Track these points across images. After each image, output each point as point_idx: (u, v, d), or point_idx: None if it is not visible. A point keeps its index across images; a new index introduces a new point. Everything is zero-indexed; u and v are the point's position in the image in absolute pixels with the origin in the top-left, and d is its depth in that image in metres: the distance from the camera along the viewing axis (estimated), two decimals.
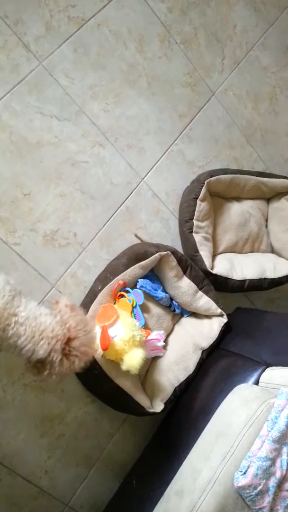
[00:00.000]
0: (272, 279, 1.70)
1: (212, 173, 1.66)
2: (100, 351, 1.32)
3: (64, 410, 1.43)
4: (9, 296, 0.96)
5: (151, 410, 1.39)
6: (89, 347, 1.06)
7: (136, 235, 1.60)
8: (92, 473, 1.48)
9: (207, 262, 1.59)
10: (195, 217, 1.60)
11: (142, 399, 1.40)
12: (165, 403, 1.43)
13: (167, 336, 1.56)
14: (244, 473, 1.05)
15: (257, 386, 1.27)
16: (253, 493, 1.05)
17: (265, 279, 1.69)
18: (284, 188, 1.78)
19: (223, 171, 1.71)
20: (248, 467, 1.06)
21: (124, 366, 1.29)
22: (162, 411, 1.40)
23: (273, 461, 1.07)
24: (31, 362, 1.00)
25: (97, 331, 1.33)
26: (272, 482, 1.07)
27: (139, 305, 1.45)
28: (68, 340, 1.00)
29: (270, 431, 1.09)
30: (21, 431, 1.37)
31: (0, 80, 1.36)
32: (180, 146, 1.73)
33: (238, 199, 1.79)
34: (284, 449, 1.10)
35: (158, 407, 1.41)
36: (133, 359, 1.27)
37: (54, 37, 1.47)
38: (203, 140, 1.79)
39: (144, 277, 1.51)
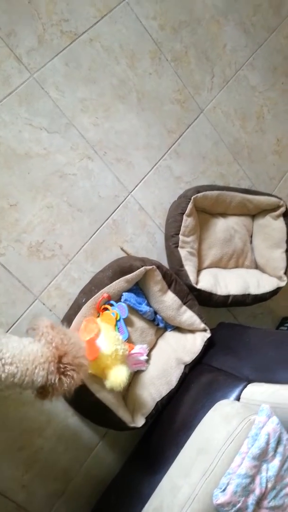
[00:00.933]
0: (255, 295, 1.72)
1: (199, 189, 1.68)
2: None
3: (44, 424, 1.42)
4: None
5: (132, 425, 1.38)
6: (82, 357, 1.06)
7: (122, 248, 1.61)
8: (70, 488, 1.47)
9: (191, 277, 1.60)
10: (181, 232, 1.62)
11: (123, 413, 1.39)
12: (147, 418, 1.42)
13: (150, 350, 1.56)
14: (224, 490, 1.05)
15: (238, 402, 1.28)
16: (232, 511, 1.04)
17: (248, 295, 1.71)
18: (269, 205, 1.81)
19: (210, 187, 1.73)
20: (228, 484, 1.05)
21: (108, 384, 1.29)
22: (143, 425, 1.40)
23: (252, 478, 1.07)
24: (35, 391, 1.00)
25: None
26: (251, 500, 1.07)
27: (123, 319, 1.45)
28: (60, 358, 1.00)
29: (250, 448, 1.09)
30: None
31: None
32: (168, 162, 1.75)
33: (223, 215, 1.81)
34: (264, 466, 1.10)
35: (140, 421, 1.40)
36: (117, 378, 1.28)
37: (46, 50, 1.48)
38: (190, 156, 1.81)
39: (129, 290, 1.51)
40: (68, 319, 1.41)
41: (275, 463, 1.10)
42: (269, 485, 1.09)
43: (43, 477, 1.42)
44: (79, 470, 1.48)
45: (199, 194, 1.66)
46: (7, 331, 1.36)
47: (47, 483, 1.43)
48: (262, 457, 1.09)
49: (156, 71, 1.73)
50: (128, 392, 1.48)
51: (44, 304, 1.43)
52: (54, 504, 1.44)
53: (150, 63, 1.71)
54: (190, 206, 1.63)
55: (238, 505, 1.05)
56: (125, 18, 1.64)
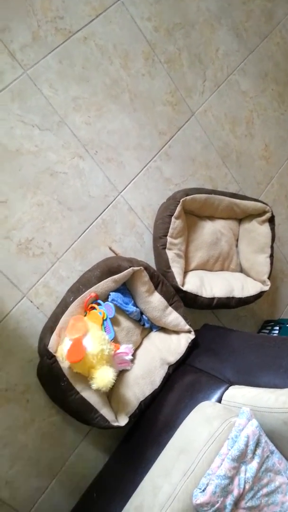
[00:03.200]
0: (239, 298, 1.75)
1: (187, 192, 1.70)
2: (67, 363, 1.32)
3: (28, 421, 1.42)
4: None
5: (116, 424, 1.40)
6: None
7: (110, 248, 1.61)
8: (53, 485, 1.48)
9: (178, 278, 1.62)
10: (169, 234, 1.64)
11: (107, 412, 1.40)
12: (130, 417, 1.44)
13: (136, 350, 1.58)
14: (203, 490, 1.06)
15: (219, 404, 1.30)
16: (211, 511, 1.06)
17: (232, 297, 1.74)
18: (255, 210, 1.84)
19: (198, 190, 1.75)
20: (207, 484, 1.07)
21: (95, 386, 1.31)
22: (126, 424, 1.42)
23: (231, 479, 1.09)
24: None
25: (67, 343, 1.33)
26: (229, 500, 1.08)
27: (110, 318, 1.47)
28: None
29: (230, 449, 1.11)
30: None
31: None
32: (158, 163, 1.76)
33: (211, 218, 1.83)
34: (243, 468, 1.12)
35: (123, 420, 1.42)
36: (104, 379, 1.29)
37: (40, 47, 1.47)
38: (180, 159, 1.83)
39: (116, 290, 1.52)
40: (55, 317, 1.41)
41: (253, 465, 1.12)
42: (247, 486, 1.11)
43: (26, 474, 1.42)
44: (62, 467, 1.49)
45: (187, 197, 1.67)
46: None
47: (30, 480, 1.43)
48: (241, 459, 1.11)
49: (149, 72, 1.74)
50: (112, 391, 1.50)
51: (31, 301, 1.43)
52: (37, 500, 1.45)
53: (143, 64, 1.72)
54: (178, 208, 1.64)
55: (217, 505, 1.06)
56: (120, 18, 1.65)
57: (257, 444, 1.14)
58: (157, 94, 1.76)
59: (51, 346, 1.34)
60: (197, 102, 1.88)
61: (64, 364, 1.34)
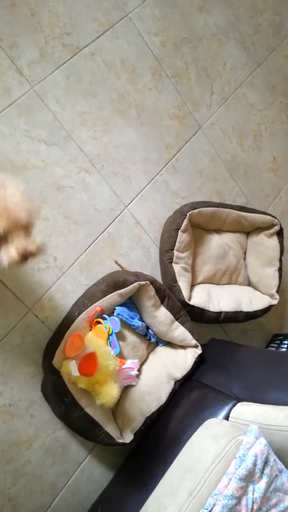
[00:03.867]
0: (247, 313, 1.73)
1: (194, 205, 1.69)
2: (71, 379, 1.31)
3: (32, 436, 1.41)
4: None
5: (121, 441, 1.38)
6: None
7: (116, 262, 1.61)
8: (57, 502, 1.45)
9: (185, 293, 1.61)
10: (175, 248, 1.63)
11: (112, 429, 1.39)
12: (135, 434, 1.42)
13: (141, 365, 1.56)
14: (210, 511, 1.04)
15: (227, 421, 1.28)
16: None
17: (240, 312, 1.72)
18: (263, 223, 1.83)
19: (205, 203, 1.74)
20: (214, 505, 1.04)
21: (98, 401, 1.30)
22: (131, 441, 1.40)
23: (239, 499, 1.07)
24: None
25: (72, 365, 1.31)
26: None
27: (115, 333, 1.46)
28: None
29: (237, 469, 1.09)
30: None
31: None
32: (165, 177, 1.76)
33: (218, 231, 1.82)
34: (250, 488, 1.10)
35: (128, 437, 1.40)
36: (108, 395, 1.28)
37: (48, 63, 1.49)
38: (187, 172, 1.82)
39: (122, 304, 1.51)
40: (60, 332, 1.40)
41: (262, 484, 1.10)
42: (255, 507, 1.08)
43: (30, 491, 1.41)
44: (66, 484, 1.47)
45: (194, 211, 1.67)
46: None
47: (33, 497, 1.41)
48: (249, 478, 1.09)
49: (156, 87, 1.75)
50: (117, 407, 1.48)
51: (36, 316, 1.43)
52: None
53: (150, 79, 1.73)
54: (185, 222, 1.64)
55: None
56: (127, 33, 1.66)
57: (265, 463, 1.12)
58: (164, 108, 1.76)
59: (55, 362, 1.33)
60: (204, 116, 1.88)
61: (68, 379, 1.33)
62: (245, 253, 1.90)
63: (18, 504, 1.39)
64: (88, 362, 1.32)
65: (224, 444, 1.13)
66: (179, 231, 1.63)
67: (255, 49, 2.04)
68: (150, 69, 1.73)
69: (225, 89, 1.94)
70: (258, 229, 1.87)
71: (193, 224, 1.70)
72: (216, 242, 1.77)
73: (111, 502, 1.41)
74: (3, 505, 1.36)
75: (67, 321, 1.42)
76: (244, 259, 1.90)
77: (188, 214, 1.65)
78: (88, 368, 1.31)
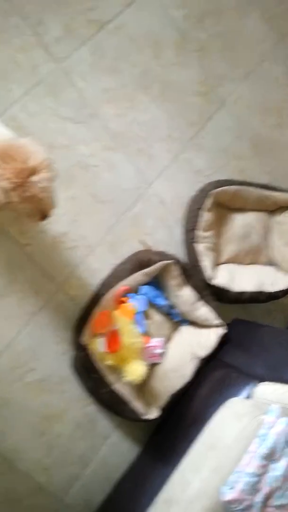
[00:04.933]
0: (270, 293, 1.72)
1: (218, 184, 1.68)
2: (99, 355, 1.34)
3: (63, 411, 1.45)
4: None
5: (146, 417, 1.41)
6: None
7: (141, 242, 1.61)
8: (87, 473, 1.51)
9: (208, 272, 1.61)
10: (199, 227, 1.62)
11: (138, 405, 1.42)
12: (160, 410, 1.45)
13: (166, 343, 1.59)
14: (232, 488, 1.07)
15: (249, 400, 1.30)
16: (239, 508, 1.06)
17: (263, 292, 1.72)
18: (287, 202, 1.81)
19: (229, 182, 1.73)
20: (236, 482, 1.07)
21: (126, 379, 1.33)
22: (157, 417, 1.43)
23: (260, 477, 1.09)
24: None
25: (100, 342, 1.34)
26: (258, 498, 1.09)
27: (141, 312, 1.48)
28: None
29: (258, 447, 1.11)
30: (21, 429, 1.39)
31: (18, 81, 1.36)
32: (188, 155, 1.74)
33: (241, 210, 1.80)
34: (271, 466, 1.11)
35: (153, 413, 1.43)
36: (135, 372, 1.30)
37: (73, 39, 1.46)
38: (211, 150, 1.80)
39: (147, 284, 1.53)
40: (88, 310, 1.43)
41: (283, 463, 1.12)
42: (276, 485, 1.11)
43: (62, 462, 1.46)
44: (95, 456, 1.52)
45: (218, 189, 1.65)
46: (29, 320, 1.39)
47: (65, 468, 1.47)
48: (270, 457, 1.11)
49: (180, 62, 1.71)
50: (143, 384, 1.51)
51: (65, 294, 1.45)
52: (71, 487, 1.49)
53: (174, 53, 1.69)
54: (209, 201, 1.63)
55: (245, 503, 1.07)
56: (151, 7, 1.62)
57: (286, 443, 1.14)
58: (188, 84, 1.73)
59: (84, 339, 1.36)
60: (228, 91, 1.84)
61: (97, 356, 1.36)
62: (268, 233, 1.89)
63: (52, 474, 1.45)
64: (112, 339, 1.34)
65: (246, 423, 1.15)
66: (203, 210, 1.63)
67: (279, 21, 1.97)
68: (173, 43, 1.69)
69: (250, 63, 1.89)
70: (281, 208, 1.85)
71: (216, 203, 1.69)
72: (240, 221, 1.77)
73: (138, 476, 1.46)
74: (39, 474, 1.42)
75: (95, 299, 1.44)
76: (268, 238, 1.89)
77: (211, 193, 1.64)
78: (113, 345, 1.33)
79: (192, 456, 1.19)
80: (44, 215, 1.07)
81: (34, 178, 0.95)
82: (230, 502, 1.06)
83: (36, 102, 1.39)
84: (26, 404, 1.39)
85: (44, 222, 1.13)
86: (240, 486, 1.07)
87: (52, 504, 1.45)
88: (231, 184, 1.71)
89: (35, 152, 0.97)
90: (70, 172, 1.47)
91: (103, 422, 1.53)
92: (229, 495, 1.06)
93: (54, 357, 1.44)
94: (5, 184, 0.92)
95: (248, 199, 1.77)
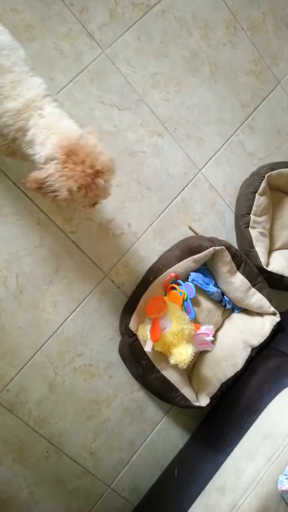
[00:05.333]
0: None
1: (273, 166, 1.61)
2: (149, 343, 1.33)
3: (111, 396, 1.47)
4: (43, 91, 0.96)
5: (197, 404, 1.39)
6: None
7: (190, 228, 1.58)
8: (135, 459, 1.52)
9: (262, 258, 1.55)
10: (252, 212, 1.56)
11: (188, 392, 1.40)
12: (211, 398, 1.42)
13: (217, 331, 1.55)
14: None
15: None
16: None
17: None
18: None
19: (285, 164, 1.65)
20: None
21: (172, 360, 1.30)
22: (207, 405, 1.40)
23: None
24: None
25: (148, 322, 1.34)
26: None
27: (190, 299, 1.45)
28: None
29: None
30: (69, 413, 1.42)
31: (63, 69, 1.38)
32: (240, 137, 1.68)
33: None
34: None
35: (204, 401, 1.41)
36: (182, 354, 1.28)
37: (118, 24, 1.46)
38: (265, 131, 1.72)
39: (196, 270, 1.50)
40: (135, 297, 1.42)
41: None
42: None
43: (109, 446, 1.48)
44: (143, 442, 1.53)
45: (273, 172, 1.58)
46: (77, 307, 1.41)
47: (113, 452, 1.49)
48: None
49: (231, 41, 1.65)
50: (193, 371, 1.49)
51: (112, 281, 1.46)
52: (119, 472, 1.50)
53: (224, 33, 1.64)
54: (263, 184, 1.56)
55: None
56: None
57: None
58: (239, 63, 1.67)
59: (131, 325, 1.36)
60: (283, 70, 1.75)
61: (145, 343, 1.35)
62: None
63: (99, 458, 1.47)
64: (153, 328, 1.33)
65: None
66: (257, 194, 1.56)
67: None
68: (224, 22, 1.63)
69: None
70: None
71: (271, 186, 1.62)
72: None
73: (188, 463, 1.44)
74: (85, 458, 1.45)
75: (142, 286, 1.44)
76: None
77: (266, 176, 1.57)
78: (154, 333, 1.32)
79: (246, 444, 1.17)
80: (95, 203, 1.09)
81: (100, 181, 0.98)
82: (287, 491, 1.03)
83: (81, 90, 1.40)
84: (74, 388, 1.42)
85: (93, 209, 1.14)
86: None
87: (97, 489, 1.47)
88: (287, 167, 1.63)
89: (102, 153, 0.98)
90: (116, 158, 1.45)
91: (152, 409, 1.53)
92: (286, 484, 1.03)
93: (102, 343, 1.45)
94: (72, 184, 0.94)
95: None
